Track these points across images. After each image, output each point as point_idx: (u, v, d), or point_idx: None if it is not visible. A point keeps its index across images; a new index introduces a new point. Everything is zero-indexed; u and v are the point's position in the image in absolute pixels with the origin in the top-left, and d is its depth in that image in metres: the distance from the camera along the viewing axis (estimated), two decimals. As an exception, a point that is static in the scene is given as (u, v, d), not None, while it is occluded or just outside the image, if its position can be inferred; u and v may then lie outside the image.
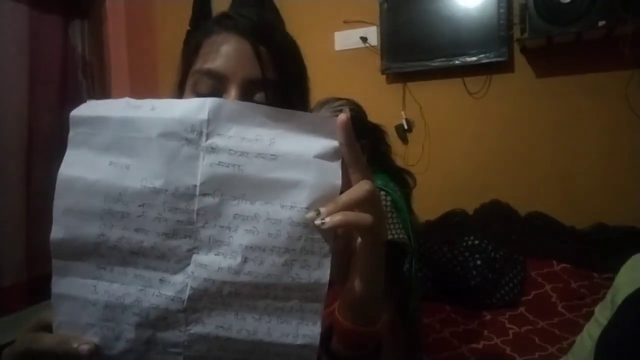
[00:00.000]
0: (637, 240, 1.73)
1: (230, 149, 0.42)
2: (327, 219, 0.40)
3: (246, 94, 0.53)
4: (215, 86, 0.54)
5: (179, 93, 0.60)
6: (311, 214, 0.41)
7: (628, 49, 1.74)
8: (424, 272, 1.87)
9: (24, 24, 2.10)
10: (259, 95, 0.54)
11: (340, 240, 0.43)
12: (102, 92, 2.49)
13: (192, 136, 0.42)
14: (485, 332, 1.68)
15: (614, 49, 1.80)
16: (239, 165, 0.42)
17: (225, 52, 0.54)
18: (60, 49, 2.29)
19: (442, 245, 1.95)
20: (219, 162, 0.41)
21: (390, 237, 1.16)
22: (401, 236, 1.18)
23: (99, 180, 0.42)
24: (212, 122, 0.42)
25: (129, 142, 0.42)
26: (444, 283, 1.89)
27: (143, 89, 2.66)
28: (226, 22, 0.58)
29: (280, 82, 0.55)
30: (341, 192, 0.42)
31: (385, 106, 2.17)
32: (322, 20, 2.33)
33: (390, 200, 1.22)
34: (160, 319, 0.42)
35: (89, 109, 0.44)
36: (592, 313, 1.02)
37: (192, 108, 0.42)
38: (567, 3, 1.71)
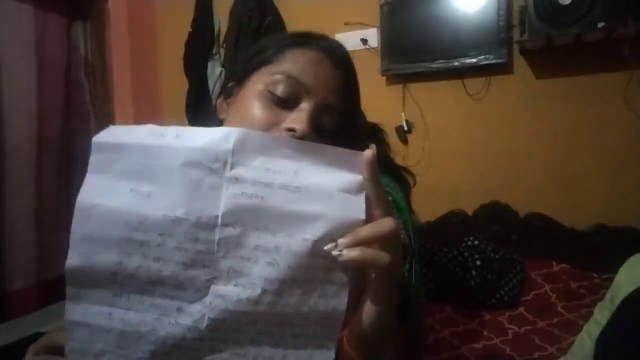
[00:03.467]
0: (636, 241, 1.73)
1: (254, 180, 0.41)
2: (345, 252, 0.40)
3: (318, 114, 0.55)
4: (294, 93, 0.55)
5: (234, 85, 0.62)
6: (330, 246, 0.41)
7: (628, 51, 1.75)
8: (424, 273, 1.88)
9: (29, 24, 2.11)
10: (329, 121, 0.56)
11: (355, 272, 0.43)
12: (104, 94, 2.50)
13: (216, 166, 0.41)
14: (485, 332, 1.69)
15: (614, 50, 1.80)
16: (262, 197, 0.41)
17: (317, 70, 0.56)
18: (64, 50, 2.30)
19: (441, 246, 1.96)
20: (242, 192, 0.41)
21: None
22: (402, 237, 1.19)
23: (119, 207, 0.41)
24: (237, 153, 0.42)
25: (151, 170, 0.42)
26: (444, 283, 1.90)
27: (144, 91, 2.67)
28: (322, 44, 0.59)
29: (350, 115, 0.59)
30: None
31: (385, 107, 2.18)
32: (322, 22, 2.33)
33: (391, 201, 1.22)
34: (175, 348, 0.42)
35: (111, 134, 0.43)
36: (591, 313, 1.03)
37: (217, 138, 0.42)
38: (567, 5, 1.72)
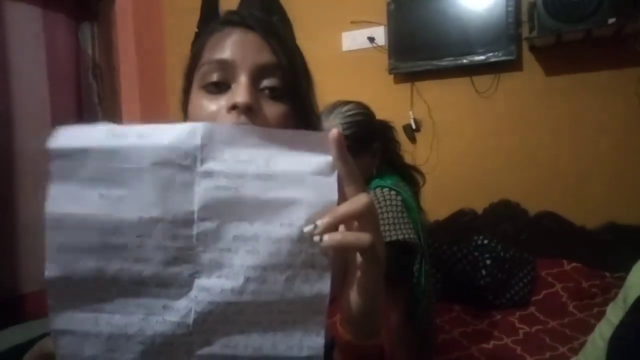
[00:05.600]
0: (648, 239, 1.71)
1: (226, 172, 0.42)
2: (325, 237, 0.40)
3: (256, 80, 0.53)
4: (224, 75, 0.54)
5: (185, 96, 0.61)
6: (309, 228, 0.41)
7: (638, 46, 1.73)
8: (433, 272, 1.87)
9: (39, 26, 2.12)
10: (269, 80, 0.54)
11: (336, 254, 0.43)
12: (111, 94, 2.51)
13: (187, 162, 0.41)
14: (495, 332, 1.68)
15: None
16: (236, 188, 0.42)
17: (232, 42, 0.55)
18: (73, 51, 2.31)
19: (451, 245, 1.95)
20: (216, 186, 0.41)
21: (401, 237, 1.16)
22: (412, 236, 1.18)
23: (92, 215, 0.41)
24: (206, 147, 0.42)
25: (118, 173, 0.41)
26: (454, 283, 1.89)
27: (151, 91, 2.69)
28: (231, 17, 0.58)
29: (290, 67, 0.56)
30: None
31: (393, 106, 2.17)
32: (329, 20, 2.34)
33: (401, 200, 1.22)
34: (165, 345, 0.42)
35: (67, 138, 0.42)
36: (603, 313, 1.01)
37: (184, 134, 0.42)
38: (576, 1, 1.70)
